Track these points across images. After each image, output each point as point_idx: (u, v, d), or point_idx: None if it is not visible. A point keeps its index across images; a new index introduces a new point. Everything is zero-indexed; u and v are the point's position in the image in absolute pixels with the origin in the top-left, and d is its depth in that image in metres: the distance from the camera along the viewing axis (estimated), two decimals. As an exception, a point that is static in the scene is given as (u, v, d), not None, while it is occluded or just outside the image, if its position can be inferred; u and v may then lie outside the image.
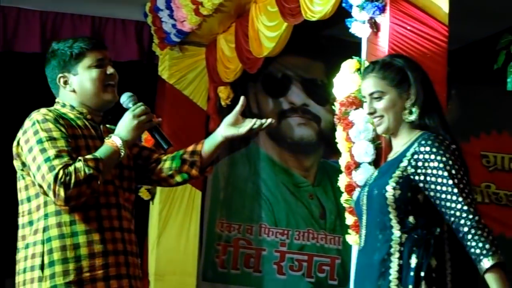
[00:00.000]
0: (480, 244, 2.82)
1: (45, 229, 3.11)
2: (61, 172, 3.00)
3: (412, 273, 2.88)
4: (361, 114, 3.79)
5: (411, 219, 2.93)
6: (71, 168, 3.00)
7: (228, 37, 6.22)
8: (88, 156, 3.05)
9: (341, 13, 4.19)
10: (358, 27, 3.94)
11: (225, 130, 3.35)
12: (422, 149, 2.93)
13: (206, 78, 6.69)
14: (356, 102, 3.84)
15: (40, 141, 3.08)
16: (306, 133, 7.16)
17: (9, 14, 6.55)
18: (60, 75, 3.25)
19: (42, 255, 3.09)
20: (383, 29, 3.86)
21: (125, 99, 3.22)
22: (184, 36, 6.36)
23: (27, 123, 3.16)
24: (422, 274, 2.87)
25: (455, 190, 2.86)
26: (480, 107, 6.88)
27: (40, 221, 3.13)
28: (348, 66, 4.02)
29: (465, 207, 2.84)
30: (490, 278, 2.84)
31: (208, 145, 3.37)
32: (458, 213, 2.85)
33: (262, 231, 7.03)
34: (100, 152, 3.08)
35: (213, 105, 6.67)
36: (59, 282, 3.07)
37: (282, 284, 6.98)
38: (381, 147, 3.70)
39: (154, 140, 3.24)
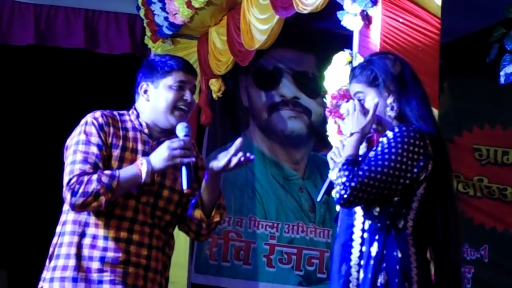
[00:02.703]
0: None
1: (63, 223, 3.26)
2: (74, 178, 3.13)
3: (372, 262, 2.90)
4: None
5: (375, 207, 2.94)
6: (85, 178, 3.13)
7: (219, 30, 6.22)
8: (106, 172, 3.15)
9: (333, 6, 4.19)
10: (350, 20, 3.94)
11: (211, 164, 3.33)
12: (386, 132, 2.96)
13: (198, 71, 6.69)
14: (347, 95, 3.84)
15: (77, 143, 3.22)
16: (296, 126, 7.16)
17: (4, 7, 6.59)
18: (144, 83, 3.32)
19: (54, 247, 3.24)
20: (375, 22, 3.86)
21: (179, 127, 3.25)
22: (176, 29, 6.36)
23: (82, 120, 3.28)
24: (384, 265, 2.88)
25: (370, 160, 2.89)
26: (472, 100, 6.87)
27: (64, 214, 3.27)
28: (340, 59, 4.02)
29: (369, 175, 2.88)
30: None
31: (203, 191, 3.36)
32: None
33: (252, 224, 7.03)
34: (122, 171, 3.17)
35: (205, 97, 6.67)
36: (56, 275, 3.20)
37: (271, 277, 6.98)
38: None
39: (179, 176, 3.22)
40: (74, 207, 3.16)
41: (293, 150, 7.15)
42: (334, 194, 2.91)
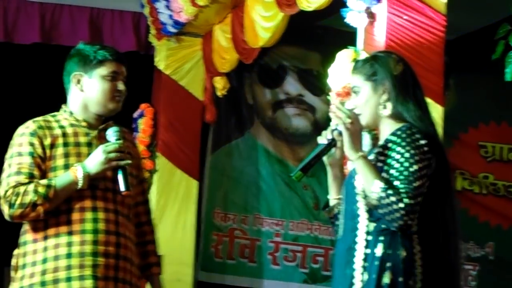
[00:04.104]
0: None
1: (23, 233, 3.28)
2: (10, 190, 3.17)
3: (376, 263, 2.88)
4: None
5: None
6: (21, 189, 3.16)
7: (224, 28, 6.22)
8: (42, 182, 3.18)
9: (337, 3, 4.18)
10: (354, 17, 3.94)
11: None
12: (392, 138, 2.94)
13: (202, 69, 6.70)
14: (352, 93, 3.83)
15: (10, 156, 3.26)
16: (301, 123, 7.16)
17: (9, 6, 6.62)
18: (76, 73, 3.34)
19: (17, 257, 3.27)
20: (379, 19, 3.86)
21: (110, 132, 3.30)
22: (181, 27, 6.35)
23: (14, 133, 3.32)
24: (389, 264, 2.86)
25: (403, 175, 2.86)
26: (478, 97, 6.86)
27: (23, 224, 3.29)
28: (344, 56, 4.01)
29: (405, 185, 2.84)
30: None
31: None
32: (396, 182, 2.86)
33: (257, 222, 7.04)
34: (59, 179, 3.20)
35: (209, 95, 6.68)
36: (24, 284, 3.22)
37: (276, 274, 6.99)
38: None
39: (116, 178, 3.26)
40: (12, 218, 3.19)
41: (297, 148, 7.15)
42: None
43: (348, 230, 2.99)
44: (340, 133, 3.02)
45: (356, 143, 2.96)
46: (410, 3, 3.83)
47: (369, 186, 2.88)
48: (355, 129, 2.98)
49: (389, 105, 3.00)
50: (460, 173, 6.83)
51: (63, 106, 3.39)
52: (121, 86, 3.34)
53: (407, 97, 3.01)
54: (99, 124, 3.35)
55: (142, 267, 3.45)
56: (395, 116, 3.00)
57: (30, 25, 6.59)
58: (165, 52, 6.67)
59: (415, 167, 2.86)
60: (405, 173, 2.86)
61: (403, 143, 2.90)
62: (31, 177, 3.20)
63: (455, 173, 6.81)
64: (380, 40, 3.81)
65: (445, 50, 3.84)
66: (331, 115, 3.04)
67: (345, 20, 3.99)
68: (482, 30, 5.78)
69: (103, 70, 3.32)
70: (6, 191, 3.18)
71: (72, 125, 3.32)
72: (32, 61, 6.82)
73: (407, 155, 2.88)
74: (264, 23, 5.45)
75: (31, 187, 3.17)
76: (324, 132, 3.10)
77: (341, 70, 3.98)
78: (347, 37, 4.24)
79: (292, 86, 7.13)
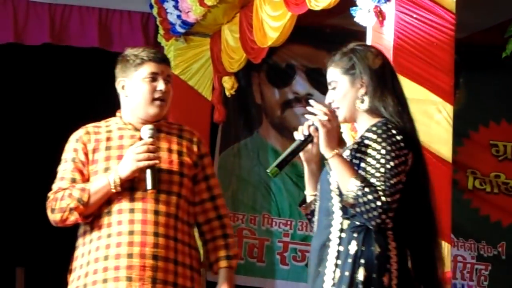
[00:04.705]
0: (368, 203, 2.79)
1: (77, 237, 3.35)
2: (52, 195, 3.27)
3: (350, 260, 2.85)
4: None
5: None
6: (60, 194, 3.25)
7: (232, 27, 6.22)
8: (78, 185, 3.25)
9: (346, 2, 4.17)
10: (363, 16, 3.93)
11: None
12: (367, 134, 2.90)
13: (211, 69, 6.70)
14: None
15: (59, 163, 3.36)
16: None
17: (19, 7, 6.64)
18: (120, 79, 3.39)
19: (72, 260, 3.33)
20: (388, 18, 3.85)
21: (143, 130, 3.32)
22: (189, 27, 6.37)
23: None
24: (362, 261, 2.83)
25: (379, 172, 2.82)
26: (489, 95, 6.83)
27: (79, 228, 3.36)
28: (351, 55, 3.99)
29: (382, 184, 2.80)
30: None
31: None
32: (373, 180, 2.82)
33: (266, 221, 7.03)
34: (93, 183, 3.26)
35: (218, 95, 6.68)
36: (73, 287, 3.30)
37: (285, 274, 6.98)
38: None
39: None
40: (56, 223, 3.28)
41: (306, 148, 7.14)
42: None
43: (322, 227, 2.96)
44: (317, 129, 2.96)
45: (332, 141, 2.91)
46: (419, 2, 3.81)
47: (345, 184, 2.84)
48: (332, 127, 2.92)
49: (367, 100, 2.95)
50: (471, 172, 6.81)
51: (117, 111, 3.44)
52: (161, 85, 3.35)
53: (386, 91, 2.96)
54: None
55: (212, 263, 3.51)
56: (372, 111, 2.96)
57: (40, 26, 6.63)
58: (174, 52, 6.68)
59: (391, 163, 2.82)
60: (382, 170, 2.82)
61: (379, 139, 2.86)
62: (72, 182, 3.27)
63: (467, 172, 6.81)
64: (389, 39, 3.80)
65: (455, 48, 3.83)
66: (306, 115, 2.99)
67: (354, 19, 3.98)
68: (492, 28, 5.77)
69: (142, 72, 3.33)
70: (49, 197, 3.27)
71: (119, 128, 3.36)
72: (42, 62, 6.84)
73: (383, 151, 2.84)
74: (272, 22, 5.44)
75: (67, 191, 3.24)
76: (300, 128, 3.03)
77: (350, 69, 3.96)
78: (356, 36, 4.22)
79: (300, 85, 7.12)
